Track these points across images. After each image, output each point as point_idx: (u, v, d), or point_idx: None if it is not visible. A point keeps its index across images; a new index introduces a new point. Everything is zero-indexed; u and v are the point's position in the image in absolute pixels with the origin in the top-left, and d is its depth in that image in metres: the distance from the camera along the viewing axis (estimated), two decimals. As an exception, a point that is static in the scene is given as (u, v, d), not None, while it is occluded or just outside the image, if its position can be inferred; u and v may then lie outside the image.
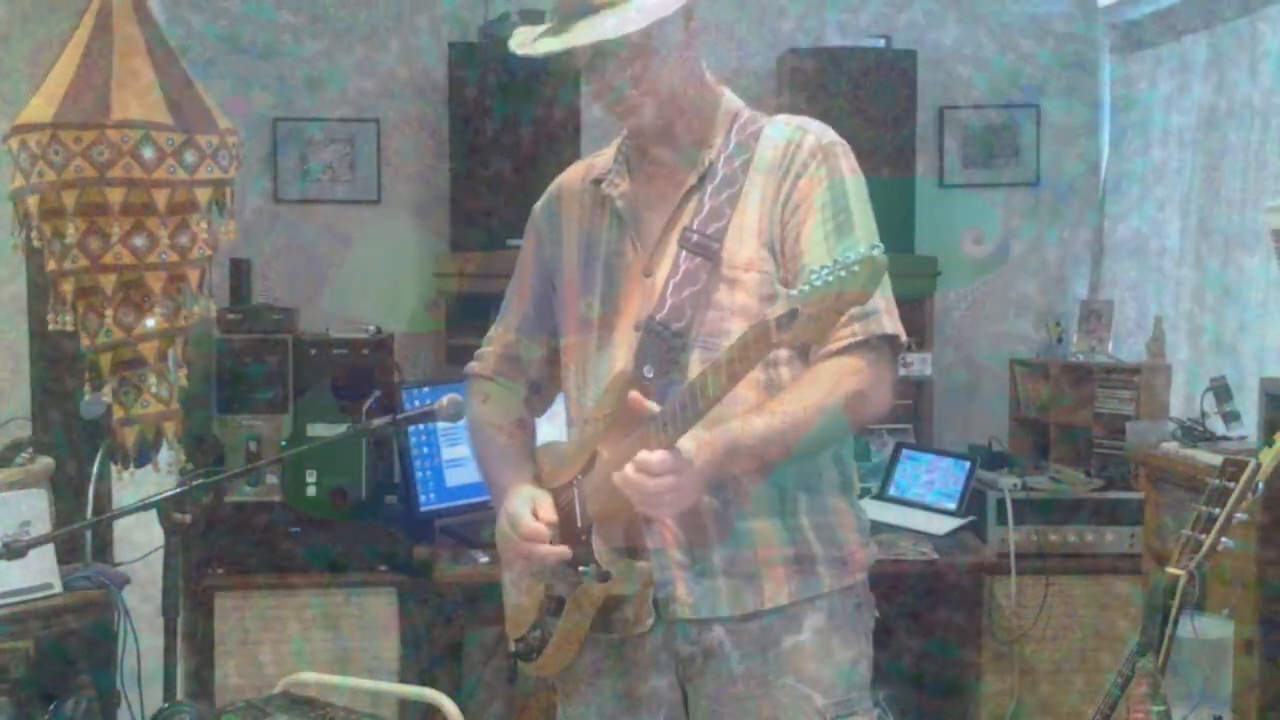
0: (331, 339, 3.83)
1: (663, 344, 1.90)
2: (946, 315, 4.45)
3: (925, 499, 3.92)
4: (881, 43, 4.30)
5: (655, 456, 1.71)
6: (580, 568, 1.90)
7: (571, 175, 2.14)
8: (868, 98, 4.15)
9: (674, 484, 1.72)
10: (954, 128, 4.56)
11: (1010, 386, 4.38)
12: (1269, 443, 2.39)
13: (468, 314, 4.13)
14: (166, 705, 2.56)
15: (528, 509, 1.94)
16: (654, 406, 1.77)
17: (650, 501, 1.75)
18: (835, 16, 4.50)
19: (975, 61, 4.56)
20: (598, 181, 2.05)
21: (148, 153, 3.00)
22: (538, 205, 2.16)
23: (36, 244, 3.04)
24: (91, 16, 3.08)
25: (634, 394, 1.80)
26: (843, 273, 1.54)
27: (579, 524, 1.93)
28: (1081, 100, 4.57)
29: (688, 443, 1.73)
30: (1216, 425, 3.41)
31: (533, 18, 4.06)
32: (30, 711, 3.01)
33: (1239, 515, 2.28)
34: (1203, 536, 2.28)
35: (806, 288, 1.56)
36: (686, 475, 1.73)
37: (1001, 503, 3.71)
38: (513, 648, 2.09)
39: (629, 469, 1.73)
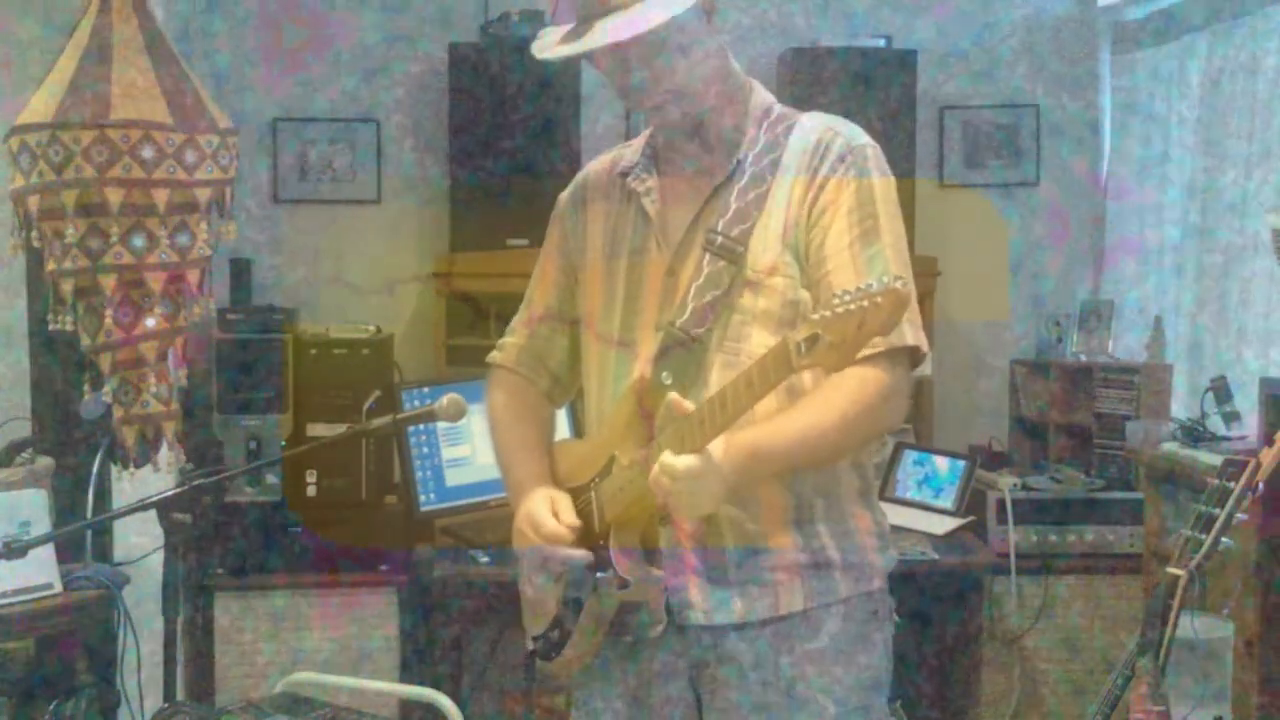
0: (331, 339, 3.82)
1: (682, 349, 1.87)
2: (946, 315, 4.45)
3: (925, 499, 3.92)
4: (881, 43, 4.29)
5: (680, 461, 1.69)
6: (598, 573, 1.88)
7: (598, 166, 2.11)
8: (868, 98, 4.14)
9: (695, 488, 1.70)
10: (954, 128, 4.56)
11: (1010, 386, 4.38)
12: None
13: (467, 314, 4.14)
14: (166, 705, 2.57)
15: (548, 510, 1.92)
16: (691, 406, 1.73)
17: (672, 504, 1.73)
18: (835, 16, 4.49)
19: (975, 61, 4.55)
20: (624, 174, 2.02)
21: (148, 153, 3.00)
22: (563, 195, 2.13)
23: (36, 244, 3.05)
24: (91, 16, 3.08)
25: (674, 396, 1.76)
26: (865, 302, 1.51)
27: (596, 527, 1.91)
28: (1081, 100, 4.57)
29: (715, 446, 1.70)
30: (1216, 425, 3.41)
31: (533, 18, 4.11)
32: (30, 711, 3.01)
33: (1239, 515, 2.28)
34: (1203, 536, 2.28)
35: (829, 313, 1.53)
36: (710, 479, 1.71)
37: (1001, 503, 3.70)
38: (531, 645, 2.06)
39: (654, 471, 1.71)
